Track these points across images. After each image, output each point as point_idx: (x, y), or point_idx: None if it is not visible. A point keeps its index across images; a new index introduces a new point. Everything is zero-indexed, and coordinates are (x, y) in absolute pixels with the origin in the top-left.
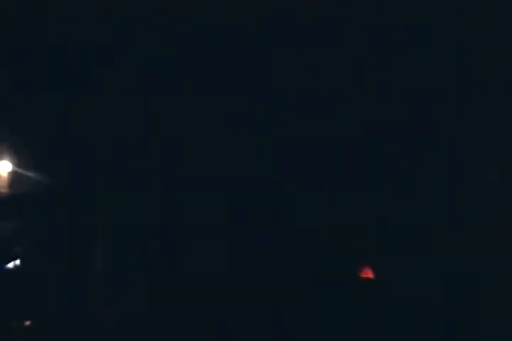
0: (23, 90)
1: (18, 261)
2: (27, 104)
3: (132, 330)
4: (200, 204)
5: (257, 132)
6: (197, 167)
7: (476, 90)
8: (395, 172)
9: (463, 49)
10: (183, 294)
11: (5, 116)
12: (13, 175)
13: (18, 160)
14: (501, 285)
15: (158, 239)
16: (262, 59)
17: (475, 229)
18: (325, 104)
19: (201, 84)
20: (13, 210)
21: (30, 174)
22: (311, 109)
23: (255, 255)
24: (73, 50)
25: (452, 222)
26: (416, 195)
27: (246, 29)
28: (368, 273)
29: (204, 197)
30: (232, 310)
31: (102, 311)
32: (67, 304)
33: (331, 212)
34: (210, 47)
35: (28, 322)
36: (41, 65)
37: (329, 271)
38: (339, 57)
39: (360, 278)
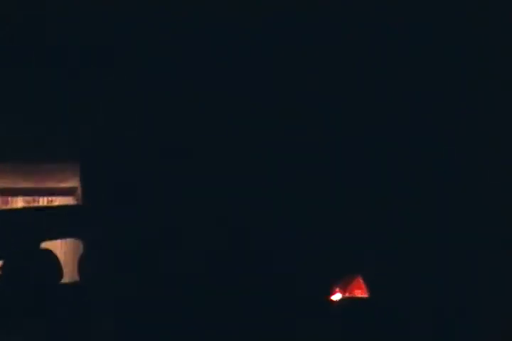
0: (23, 90)
1: None
2: (26, 103)
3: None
4: (200, 205)
5: (256, 132)
6: (197, 167)
7: (476, 90)
8: (394, 173)
9: (463, 49)
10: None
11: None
12: None
13: None
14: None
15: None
16: (262, 59)
17: (476, 231)
18: (325, 104)
19: (201, 84)
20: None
21: None
22: (311, 109)
23: (249, 258)
24: (73, 50)
25: (453, 224)
26: (416, 196)
27: (246, 29)
28: (361, 290)
29: (203, 197)
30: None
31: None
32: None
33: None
34: (210, 47)
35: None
36: (41, 65)
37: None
38: (339, 57)
39: (350, 297)
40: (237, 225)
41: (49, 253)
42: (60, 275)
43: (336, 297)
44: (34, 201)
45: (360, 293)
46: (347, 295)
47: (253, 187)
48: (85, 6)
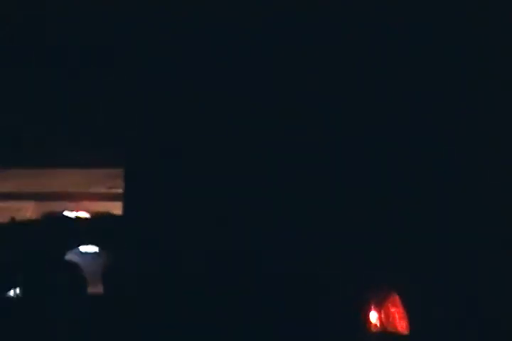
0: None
1: (17, 290)
2: (26, 103)
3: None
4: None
5: (256, 132)
6: (197, 167)
7: (476, 90)
8: (395, 174)
9: (463, 49)
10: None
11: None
12: None
13: None
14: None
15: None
16: (262, 59)
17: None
18: (325, 104)
19: (201, 84)
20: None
21: None
22: (311, 109)
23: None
24: (73, 50)
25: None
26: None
27: (246, 29)
28: (398, 308)
29: (203, 197)
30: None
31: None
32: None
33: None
34: (210, 47)
35: None
36: (41, 65)
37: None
38: (339, 57)
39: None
40: (237, 225)
41: (73, 263)
42: (85, 286)
43: (373, 316)
44: None
45: (397, 311)
46: (382, 313)
47: (253, 187)
48: (85, 6)
